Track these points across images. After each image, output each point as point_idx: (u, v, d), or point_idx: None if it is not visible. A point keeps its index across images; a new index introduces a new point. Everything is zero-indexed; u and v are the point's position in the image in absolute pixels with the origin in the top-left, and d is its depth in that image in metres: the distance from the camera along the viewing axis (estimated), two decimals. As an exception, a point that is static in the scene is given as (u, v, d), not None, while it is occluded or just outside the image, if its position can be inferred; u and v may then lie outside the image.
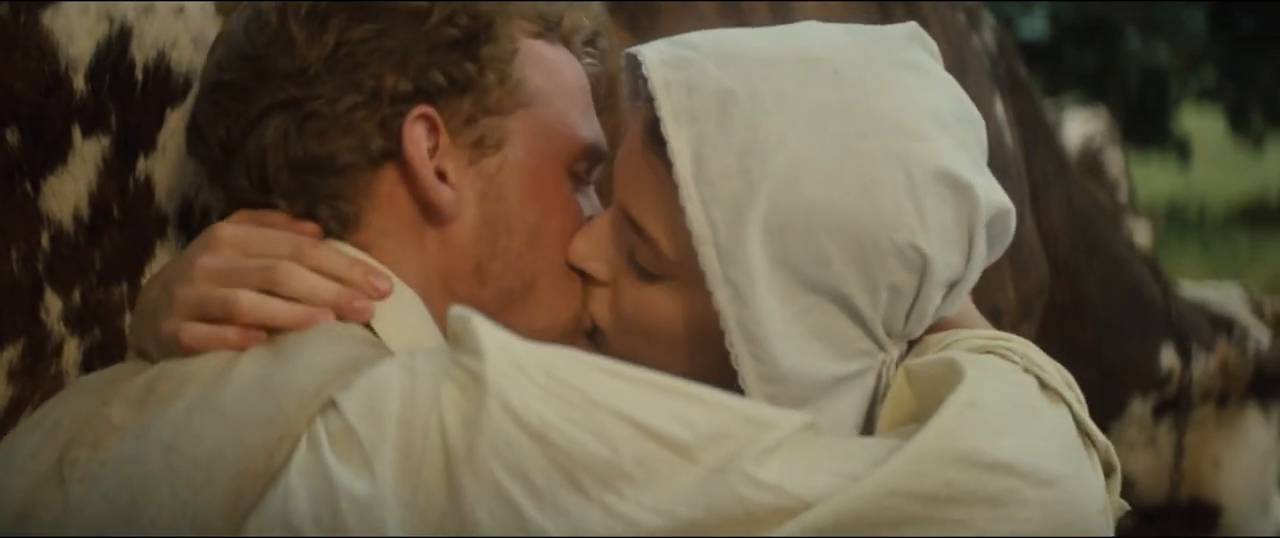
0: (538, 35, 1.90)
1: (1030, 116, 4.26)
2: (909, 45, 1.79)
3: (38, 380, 1.91)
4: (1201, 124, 27.83)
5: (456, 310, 1.61)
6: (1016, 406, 1.68)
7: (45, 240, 1.88)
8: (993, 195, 1.75)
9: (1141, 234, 5.00)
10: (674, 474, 1.54)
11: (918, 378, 1.75)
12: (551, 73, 1.89)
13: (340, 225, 1.81)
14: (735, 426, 1.58)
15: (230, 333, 1.69)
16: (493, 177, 1.84)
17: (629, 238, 1.81)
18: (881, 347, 1.77)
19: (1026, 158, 4.15)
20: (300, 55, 1.77)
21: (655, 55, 1.75)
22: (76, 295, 1.92)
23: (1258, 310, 4.90)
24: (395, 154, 1.79)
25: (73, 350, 1.93)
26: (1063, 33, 25.47)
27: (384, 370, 1.60)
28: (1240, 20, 25.35)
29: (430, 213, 1.82)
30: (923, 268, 1.71)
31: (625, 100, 1.86)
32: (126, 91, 1.90)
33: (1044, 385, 1.75)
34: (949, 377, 1.70)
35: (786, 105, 1.69)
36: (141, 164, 1.93)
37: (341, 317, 1.73)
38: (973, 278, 1.78)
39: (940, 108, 1.74)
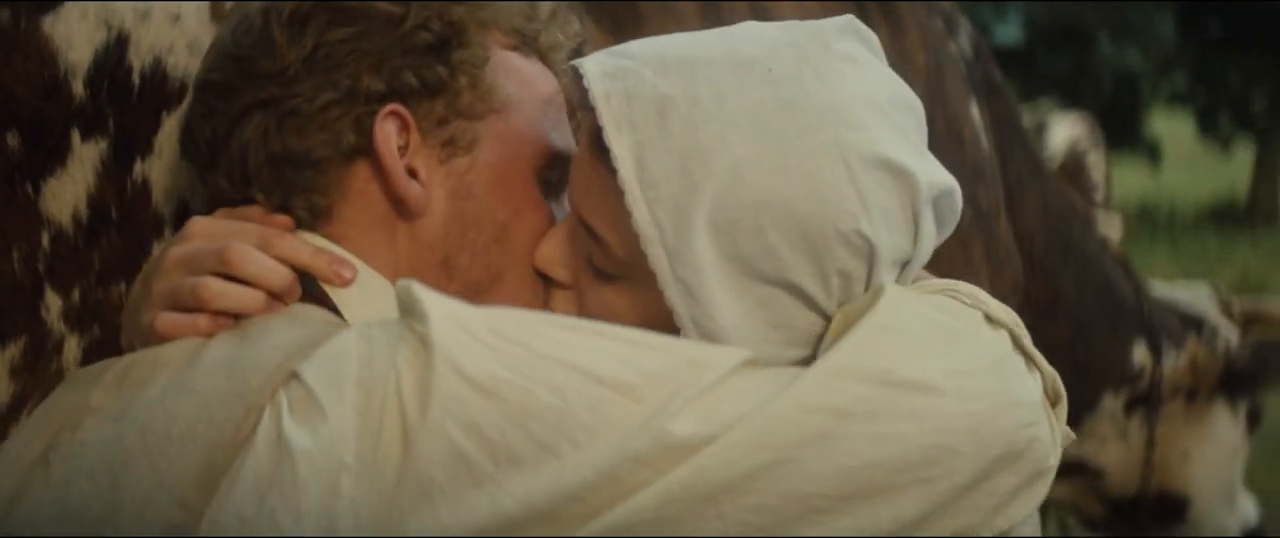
0: (513, 48, 1.93)
1: (1006, 120, 4.27)
2: (843, 37, 1.79)
3: (39, 377, 1.92)
4: (1171, 127, 27.94)
5: (401, 283, 1.64)
6: (941, 327, 1.71)
7: (45, 241, 1.89)
8: (934, 176, 1.76)
9: (1114, 228, 5.01)
10: (623, 416, 1.58)
11: (850, 314, 1.76)
12: (524, 83, 1.91)
13: (313, 217, 1.84)
14: (677, 366, 1.62)
15: (201, 320, 1.72)
16: (463, 175, 1.86)
17: (585, 241, 1.82)
18: None
19: (1002, 160, 4.16)
20: (281, 56, 1.79)
21: (595, 66, 1.76)
22: (76, 294, 1.92)
23: (1226, 310, 4.92)
24: (367, 150, 1.81)
25: (73, 348, 1.93)
26: (1037, 38, 25.55)
27: (342, 338, 1.63)
28: (1209, 26, 25.43)
29: (400, 207, 1.84)
30: (869, 253, 1.72)
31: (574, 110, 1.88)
32: (124, 96, 1.90)
33: (989, 318, 1.78)
34: (872, 303, 1.72)
35: (725, 106, 1.70)
36: (138, 167, 1.93)
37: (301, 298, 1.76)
38: (922, 257, 1.79)
39: (877, 95, 1.75)
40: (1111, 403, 4.58)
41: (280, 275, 1.75)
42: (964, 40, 4.14)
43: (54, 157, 1.87)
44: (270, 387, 1.61)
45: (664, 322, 1.75)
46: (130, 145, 1.93)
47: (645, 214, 1.71)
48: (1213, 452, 4.71)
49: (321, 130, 1.80)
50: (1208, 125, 26.83)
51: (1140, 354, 4.60)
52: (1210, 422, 4.70)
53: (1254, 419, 4.83)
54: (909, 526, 1.63)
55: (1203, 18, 25.19)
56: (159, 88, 1.93)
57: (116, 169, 1.92)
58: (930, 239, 1.78)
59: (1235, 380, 4.70)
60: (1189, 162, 27.91)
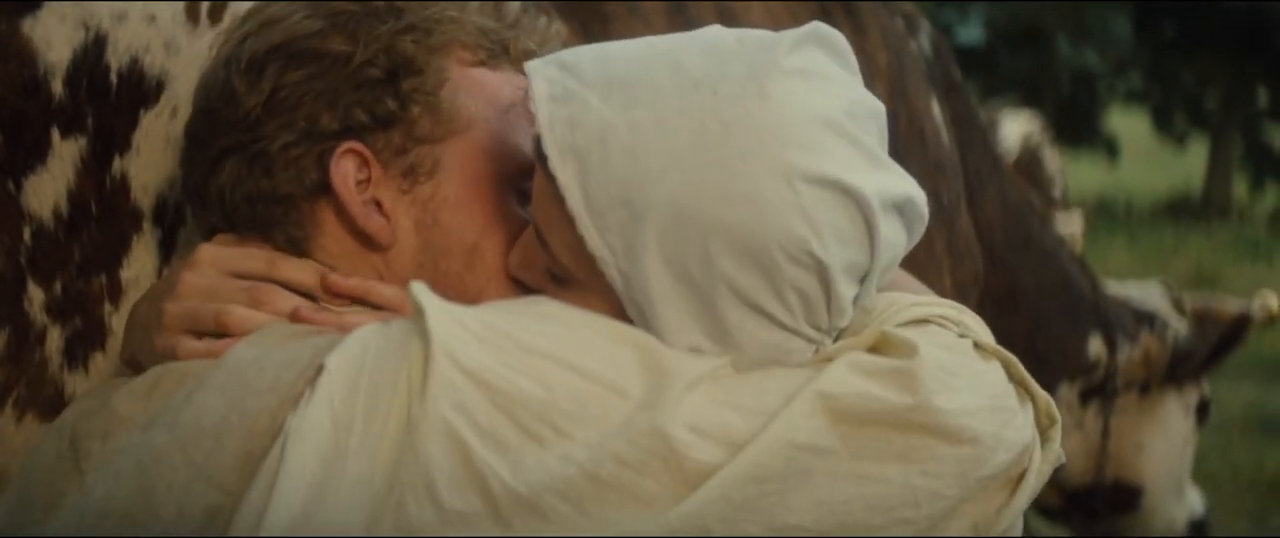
0: (479, 63, 1.91)
1: (965, 117, 4.27)
2: (798, 49, 1.72)
3: (22, 367, 1.92)
4: (1128, 124, 28.07)
5: (412, 284, 1.67)
6: (947, 368, 1.70)
7: (27, 235, 1.89)
8: (891, 188, 1.71)
9: (1075, 224, 5.01)
10: (607, 410, 1.59)
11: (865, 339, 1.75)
12: (489, 99, 1.89)
13: (295, 250, 1.86)
14: (660, 363, 1.64)
15: (221, 346, 1.73)
16: (427, 202, 1.85)
17: (540, 248, 1.79)
18: (810, 341, 1.74)
19: (962, 156, 4.16)
20: (243, 103, 1.82)
21: (544, 87, 1.72)
22: (57, 287, 1.92)
23: (1177, 306, 4.92)
24: (330, 187, 1.83)
25: (55, 338, 1.93)
26: (998, 39, 25.66)
27: (363, 332, 1.66)
28: (1164, 27, 25.54)
29: (367, 240, 1.85)
30: (820, 270, 1.68)
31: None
32: (102, 95, 1.90)
33: (979, 346, 1.77)
34: (886, 344, 1.72)
35: (666, 132, 1.66)
36: (117, 163, 1.93)
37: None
38: (882, 266, 1.74)
39: (829, 110, 1.68)
40: (1067, 393, 4.60)
41: (305, 307, 1.78)
42: (924, 40, 4.15)
43: (34, 154, 1.87)
44: (304, 380, 1.63)
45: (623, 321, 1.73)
46: (109, 143, 1.93)
47: (597, 239, 1.68)
48: (1165, 443, 4.72)
49: (286, 169, 1.82)
50: (1163, 122, 26.95)
51: (1096, 347, 4.61)
52: (1163, 414, 4.72)
53: (1203, 413, 4.85)
54: None
55: (1158, 20, 25.29)
56: (136, 86, 1.93)
57: (95, 166, 1.92)
58: (890, 249, 1.73)
59: (1180, 363, 4.72)
60: (1145, 157, 28.02)
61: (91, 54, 1.88)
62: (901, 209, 1.73)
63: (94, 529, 1.64)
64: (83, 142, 1.90)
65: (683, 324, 1.69)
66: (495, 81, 1.90)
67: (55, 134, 1.87)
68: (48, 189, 1.89)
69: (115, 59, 1.91)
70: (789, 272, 1.67)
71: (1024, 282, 4.48)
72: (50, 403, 1.93)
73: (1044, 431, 1.79)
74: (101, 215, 1.94)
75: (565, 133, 1.69)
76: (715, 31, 1.76)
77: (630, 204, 1.66)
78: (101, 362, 1.96)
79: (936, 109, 3.95)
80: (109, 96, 1.91)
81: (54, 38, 1.85)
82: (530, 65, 1.75)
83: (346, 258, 1.85)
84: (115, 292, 1.97)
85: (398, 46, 1.84)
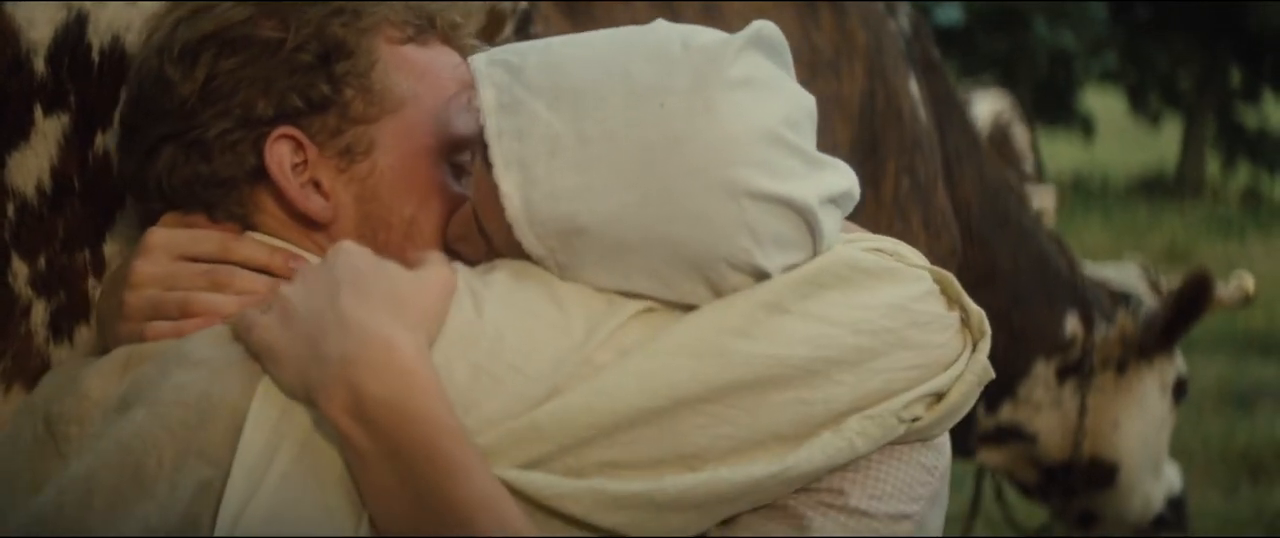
0: (408, 40, 1.91)
1: (943, 95, 4.27)
2: (740, 58, 1.71)
3: (8, 340, 1.92)
4: (1104, 103, 28.09)
5: None
6: (859, 268, 1.74)
7: (11, 211, 1.89)
8: (829, 186, 1.73)
9: (1048, 199, 4.97)
10: (552, 344, 1.67)
11: None
12: (420, 75, 1.90)
13: (240, 227, 1.87)
14: (598, 304, 1.72)
15: (191, 326, 1.76)
16: (365, 180, 1.87)
17: (479, 231, 1.81)
18: None
19: (940, 133, 4.16)
20: (177, 92, 1.82)
21: (492, 94, 1.73)
22: (42, 261, 1.93)
23: (1155, 287, 4.91)
24: (267, 171, 1.84)
25: (40, 312, 1.93)
26: (976, 20, 25.61)
27: None
28: (1138, 9, 25.56)
29: (307, 219, 1.86)
30: (762, 276, 1.71)
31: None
32: (84, 73, 1.90)
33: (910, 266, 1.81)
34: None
35: (615, 146, 1.67)
36: (100, 139, 1.93)
37: None
38: (821, 251, 1.76)
39: (771, 122, 1.69)
40: (1043, 370, 4.59)
41: (264, 285, 1.80)
42: (903, 19, 4.15)
43: (17, 131, 1.87)
44: None
45: None
46: (91, 119, 1.93)
47: (535, 244, 1.71)
48: (1141, 421, 4.71)
49: (224, 155, 1.83)
50: (1138, 102, 26.98)
51: (1072, 324, 4.61)
52: (1140, 392, 4.71)
53: (1181, 391, 4.84)
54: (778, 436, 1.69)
55: (1132, 2, 25.33)
56: (118, 64, 1.93)
57: (78, 142, 1.92)
58: (830, 236, 1.76)
59: (1150, 340, 4.70)
60: (1120, 136, 28.06)
61: (73, 32, 1.88)
62: (837, 201, 1.76)
63: (79, 506, 1.65)
64: (65, 118, 1.90)
65: None
66: (424, 57, 1.92)
67: (38, 111, 1.87)
68: (31, 165, 1.89)
69: (97, 37, 1.90)
70: (731, 279, 1.70)
71: (1001, 259, 4.47)
72: (36, 375, 1.92)
73: (975, 343, 1.82)
74: (84, 191, 1.94)
75: (512, 144, 1.70)
76: (662, 33, 1.75)
77: (574, 217, 1.68)
78: (86, 334, 1.97)
79: (914, 87, 3.95)
80: (91, 74, 1.91)
81: (36, 17, 1.85)
82: (476, 65, 1.76)
83: (288, 235, 1.87)
84: (99, 266, 1.97)
85: (328, 30, 1.84)
